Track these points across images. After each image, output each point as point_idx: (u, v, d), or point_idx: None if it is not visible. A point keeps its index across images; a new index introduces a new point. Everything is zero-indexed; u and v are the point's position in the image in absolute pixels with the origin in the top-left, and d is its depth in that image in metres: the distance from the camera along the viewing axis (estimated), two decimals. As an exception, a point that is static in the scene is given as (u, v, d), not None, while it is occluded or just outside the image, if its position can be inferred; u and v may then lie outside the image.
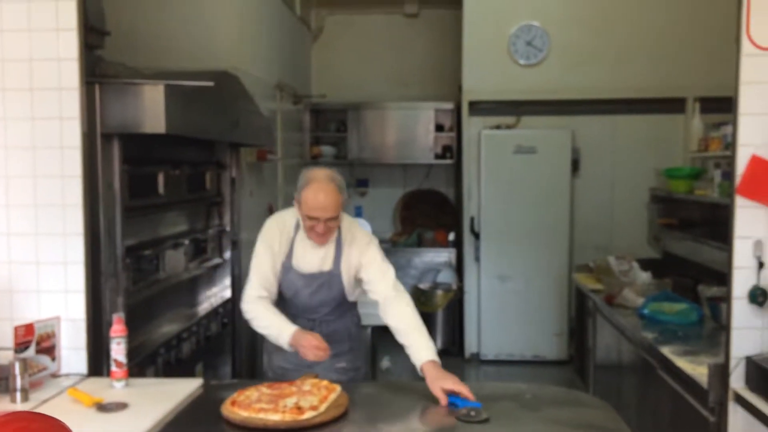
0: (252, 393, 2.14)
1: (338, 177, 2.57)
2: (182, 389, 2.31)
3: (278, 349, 2.67)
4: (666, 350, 3.08)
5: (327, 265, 2.69)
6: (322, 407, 2.06)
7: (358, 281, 2.74)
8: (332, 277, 2.70)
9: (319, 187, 2.49)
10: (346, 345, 2.80)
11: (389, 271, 2.68)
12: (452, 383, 2.26)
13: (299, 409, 2.00)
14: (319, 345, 2.41)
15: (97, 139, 2.51)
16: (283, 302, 2.78)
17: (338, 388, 2.23)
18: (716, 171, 4.25)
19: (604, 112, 6.04)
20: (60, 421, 1.25)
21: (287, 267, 2.70)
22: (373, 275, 2.66)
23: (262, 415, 1.97)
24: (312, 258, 2.69)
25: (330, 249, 2.69)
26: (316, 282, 2.70)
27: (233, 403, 2.06)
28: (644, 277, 4.21)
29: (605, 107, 5.99)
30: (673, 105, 5.82)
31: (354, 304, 2.86)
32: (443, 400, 2.23)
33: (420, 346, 2.42)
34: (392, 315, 2.57)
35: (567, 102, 5.95)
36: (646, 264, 4.52)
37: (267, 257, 2.70)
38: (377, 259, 2.68)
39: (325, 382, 2.27)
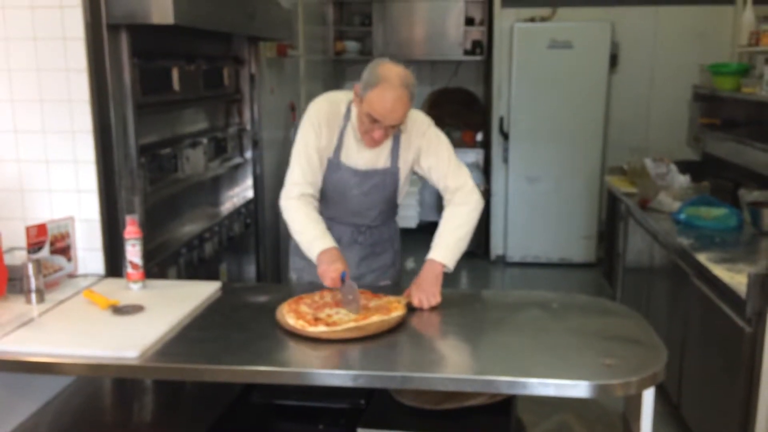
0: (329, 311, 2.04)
1: (412, 81, 2.23)
2: (201, 292, 2.25)
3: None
4: (702, 257, 2.94)
5: (382, 162, 2.41)
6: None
7: (414, 173, 2.48)
8: (387, 175, 2.42)
9: (392, 92, 2.16)
10: (389, 257, 2.58)
11: (463, 166, 2.40)
12: (423, 292, 2.13)
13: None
14: (335, 277, 2.10)
15: (102, 29, 2.36)
16: (326, 205, 2.48)
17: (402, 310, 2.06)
18: (766, 67, 3.97)
19: (646, 3, 5.64)
20: None
21: (335, 163, 2.39)
22: (443, 168, 2.38)
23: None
24: (366, 152, 2.39)
25: (386, 142, 2.38)
26: (370, 181, 2.42)
27: (317, 320, 1.95)
28: (682, 180, 4.02)
29: (648, -4, 5.59)
30: (722, -6, 5.41)
31: (397, 209, 2.62)
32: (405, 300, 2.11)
33: (436, 245, 2.28)
34: (449, 211, 2.37)
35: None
36: (684, 166, 4.31)
37: (312, 144, 2.34)
38: (444, 148, 2.41)
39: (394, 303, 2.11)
